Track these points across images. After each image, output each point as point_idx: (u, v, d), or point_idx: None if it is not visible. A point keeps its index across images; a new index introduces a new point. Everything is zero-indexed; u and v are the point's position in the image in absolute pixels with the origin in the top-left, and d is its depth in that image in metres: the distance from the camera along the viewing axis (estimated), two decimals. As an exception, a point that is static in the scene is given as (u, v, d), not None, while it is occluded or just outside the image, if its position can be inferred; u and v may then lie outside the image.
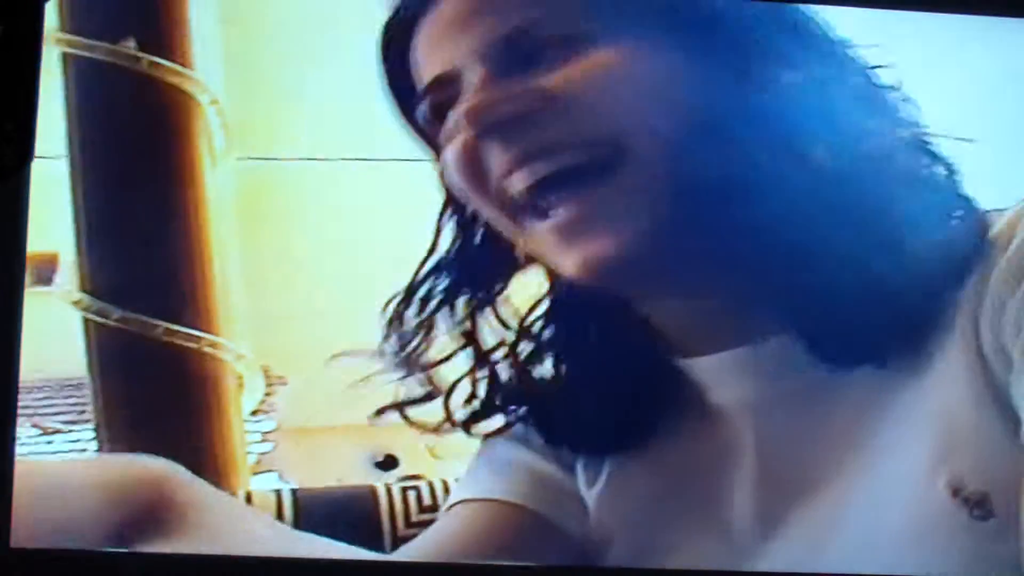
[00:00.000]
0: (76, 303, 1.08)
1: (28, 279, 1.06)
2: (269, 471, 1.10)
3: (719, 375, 1.00)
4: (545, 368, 1.05)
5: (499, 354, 1.05)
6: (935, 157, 0.99)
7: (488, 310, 1.05)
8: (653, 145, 0.95)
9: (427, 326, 1.05)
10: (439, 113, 1.01)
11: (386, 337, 1.05)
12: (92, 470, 1.03)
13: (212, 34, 1.12)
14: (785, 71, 0.98)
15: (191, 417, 1.09)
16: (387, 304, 1.05)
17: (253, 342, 1.11)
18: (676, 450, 1.03)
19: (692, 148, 0.96)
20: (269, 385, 1.11)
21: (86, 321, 1.08)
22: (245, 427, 1.10)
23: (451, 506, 1.05)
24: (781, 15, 1.00)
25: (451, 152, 1.00)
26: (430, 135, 1.03)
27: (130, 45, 1.09)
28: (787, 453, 0.99)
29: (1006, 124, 1.10)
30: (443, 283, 1.05)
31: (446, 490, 1.10)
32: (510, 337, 1.04)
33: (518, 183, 0.97)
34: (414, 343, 1.04)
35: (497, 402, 1.05)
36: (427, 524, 1.07)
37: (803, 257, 0.96)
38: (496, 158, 0.98)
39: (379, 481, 1.11)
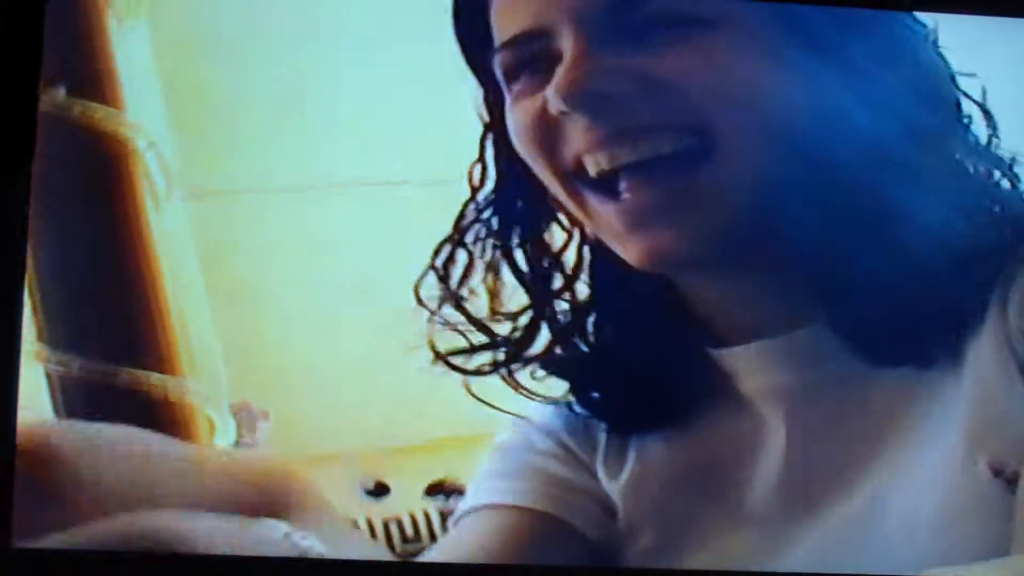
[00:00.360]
0: (36, 355, 1.03)
1: None
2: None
3: (751, 363, 0.99)
4: (585, 330, 1.03)
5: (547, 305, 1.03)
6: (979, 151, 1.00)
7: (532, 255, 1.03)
8: (739, 143, 0.94)
9: (477, 270, 1.03)
10: (517, 70, 0.98)
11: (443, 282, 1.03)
12: (224, 457, 1.03)
13: (147, 71, 1.10)
14: (850, 75, 0.98)
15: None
16: (437, 252, 1.03)
17: (230, 376, 1.07)
18: (703, 435, 1.01)
19: (772, 149, 0.95)
20: (251, 418, 1.07)
21: (48, 373, 1.04)
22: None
23: (466, 513, 1.01)
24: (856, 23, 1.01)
25: (527, 117, 0.97)
26: (502, 84, 1.00)
27: (60, 93, 1.07)
28: (819, 443, 0.98)
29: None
30: (491, 226, 1.03)
31: (429, 523, 1.08)
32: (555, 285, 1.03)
33: (600, 163, 0.96)
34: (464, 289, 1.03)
35: (543, 356, 1.02)
36: (414, 554, 1.04)
37: (840, 252, 0.96)
38: (580, 133, 0.95)
39: (368, 510, 1.08)
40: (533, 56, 0.97)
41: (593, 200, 0.97)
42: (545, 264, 1.03)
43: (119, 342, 1.05)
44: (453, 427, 1.08)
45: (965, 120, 1.01)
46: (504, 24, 0.98)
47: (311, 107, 1.10)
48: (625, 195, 0.95)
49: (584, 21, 0.95)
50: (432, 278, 1.03)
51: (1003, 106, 1.05)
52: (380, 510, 1.08)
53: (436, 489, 1.09)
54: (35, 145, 1.03)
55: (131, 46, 1.10)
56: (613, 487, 1.01)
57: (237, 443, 1.06)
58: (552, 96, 0.95)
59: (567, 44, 0.95)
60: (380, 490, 1.08)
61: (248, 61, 1.12)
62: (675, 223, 0.94)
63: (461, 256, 1.03)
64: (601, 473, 1.02)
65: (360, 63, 1.11)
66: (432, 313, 1.03)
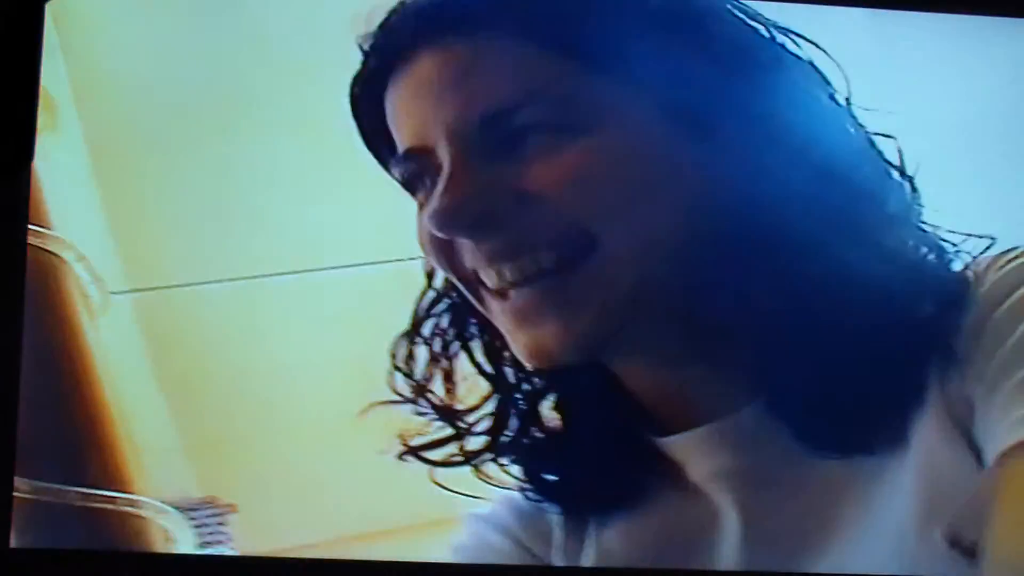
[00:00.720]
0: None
1: None
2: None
3: (694, 450, 0.99)
4: (539, 416, 1.04)
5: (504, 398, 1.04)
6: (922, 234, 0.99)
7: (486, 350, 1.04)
8: (617, 240, 0.94)
9: (440, 364, 1.04)
10: (412, 183, 0.99)
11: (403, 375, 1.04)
12: None
13: (72, 181, 1.11)
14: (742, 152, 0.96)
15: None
16: (396, 346, 1.04)
17: (195, 472, 1.07)
18: (658, 521, 1.01)
19: (663, 238, 0.95)
20: (218, 514, 1.07)
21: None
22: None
23: None
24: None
25: (423, 232, 0.98)
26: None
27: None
28: (773, 520, 0.97)
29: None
30: (445, 320, 1.04)
31: None
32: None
33: (492, 279, 0.96)
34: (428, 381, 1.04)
35: (500, 444, 1.03)
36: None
37: (768, 331, 0.96)
38: (469, 252, 0.96)
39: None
40: (421, 170, 0.97)
41: (492, 303, 0.98)
42: (503, 354, 1.03)
43: (69, 461, 1.05)
44: (417, 513, 1.09)
45: (886, 188, 0.99)
46: (397, 137, 0.99)
47: (245, 197, 1.11)
48: (514, 298, 0.95)
49: (458, 136, 0.94)
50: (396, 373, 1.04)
51: (1003, 107, 1.07)
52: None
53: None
54: (35, 145, 1.04)
55: (53, 158, 1.09)
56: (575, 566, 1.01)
57: (211, 534, 1.07)
58: (428, 223, 0.96)
59: (444, 160, 0.95)
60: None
61: (175, 156, 1.12)
62: (554, 319, 0.94)
63: (420, 351, 1.04)
64: (560, 556, 1.02)
65: (290, 149, 1.12)
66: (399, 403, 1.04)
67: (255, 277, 1.10)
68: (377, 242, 1.10)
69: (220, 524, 1.07)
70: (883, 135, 0.99)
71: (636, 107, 0.95)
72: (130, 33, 1.15)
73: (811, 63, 0.99)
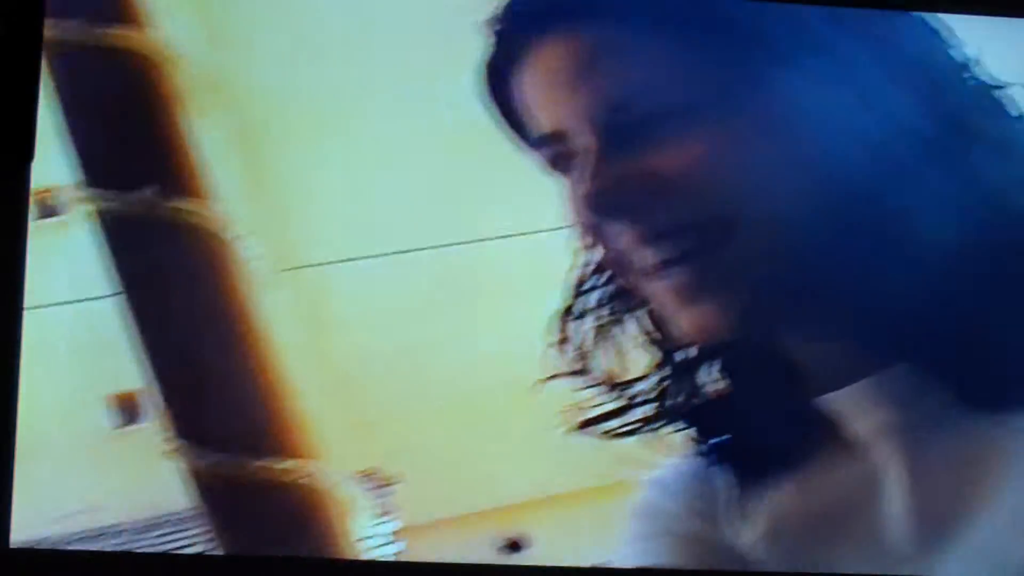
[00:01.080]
0: (168, 452, 1.06)
1: (114, 421, 1.05)
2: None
3: (855, 406, 1.02)
4: (700, 383, 1.07)
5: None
6: None
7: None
8: (760, 216, 0.99)
9: (603, 337, 1.06)
10: (554, 164, 1.04)
11: (564, 351, 1.06)
12: None
13: (226, 160, 1.12)
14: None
15: (307, 547, 1.06)
16: (557, 320, 1.07)
17: (359, 446, 1.09)
18: (823, 482, 1.04)
19: (798, 210, 1.00)
20: (386, 485, 1.09)
21: (183, 468, 1.06)
22: (366, 539, 1.08)
23: None
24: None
25: (573, 215, 1.03)
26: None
27: (149, 193, 1.08)
28: (937, 473, 1.01)
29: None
30: (605, 293, 1.06)
31: None
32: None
33: (639, 261, 1.01)
34: (593, 352, 1.06)
35: (669, 411, 1.06)
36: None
37: (911, 290, 1.02)
38: (617, 236, 1.01)
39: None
40: (561, 154, 1.03)
41: (646, 283, 1.02)
42: (666, 324, 1.05)
43: (248, 432, 1.07)
44: (582, 479, 1.10)
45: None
46: (532, 121, 1.04)
47: (400, 172, 1.13)
48: (666, 278, 1.00)
49: (595, 125, 1.00)
50: (557, 348, 1.07)
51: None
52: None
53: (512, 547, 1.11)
54: (35, 145, 1.04)
55: (213, 135, 1.12)
56: (743, 541, 1.04)
57: (380, 505, 1.09)
58: (579, 211, 1.01)
59: (583, 146, 1.01)
60: (514, 546, 1.10)
61: (331, 134, 1.14)
62: (710, 299, 0.99)
63: (579, 325, 1.07)
64: (729, 528, 1.05)
65: (437, 124, 1.13)
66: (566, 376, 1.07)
67: (413, 251, 1.11)
68: (531, 214, 1.12)
69: (385, 495, 1.09)
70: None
71: (761, 91, 1.02)
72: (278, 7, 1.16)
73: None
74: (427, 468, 1.09)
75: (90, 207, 1.08)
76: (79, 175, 1.08)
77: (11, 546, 0.98)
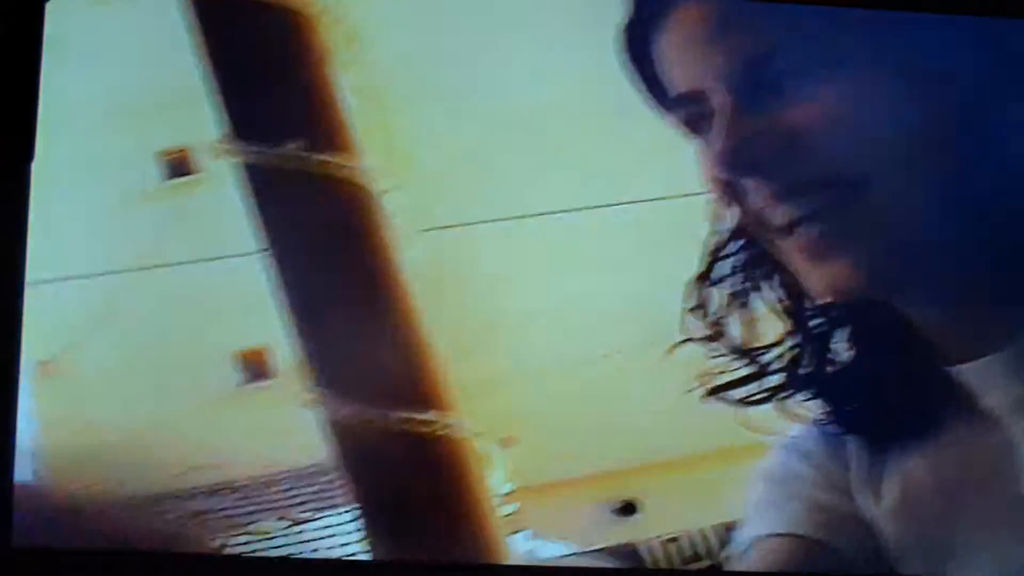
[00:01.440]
0: (306, 402, 1.08)
1: (240, 377, 1.08)
2: (520, 531, 1.10)
3: (990, 379, 1.02)
4: (830, 351, 1.08)
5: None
6: None
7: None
8: (891, 175, 1.00)
9: (736, 304, 1.08)
10: (691, 124, 1.06)
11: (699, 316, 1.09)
12: None
13: (369, 116, 1.14)
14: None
15: (443, 499, 1.09)
16: (691, 287, 1.09)
17: (478, 406, 1.11)
18: (956, 453, 1.04)
19: (928, 169, 1.01)
20: (503, 447, 1.11)
21: (323, 417, 1.08)
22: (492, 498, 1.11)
23: (749, 545, 1.06)
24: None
25: (707, 175, 1.04)
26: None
27: (296, 146, 1.10)
28: None
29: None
30: (740, 259, 1.08)
31: (705, 541, 1.12)
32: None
33: (771, 218, 1.02)
34: (728, 318, 1.08)
35: (800, 379, 1.07)
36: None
37: None
38: (750, 193, 1.02)
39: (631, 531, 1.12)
40: (697, 113, 1.05)
41: (780, 241, 1.03)
42: (798, 290, 1.07)
43: (387, 383, 1.09)
44: (709, 444, 1.12)
45: None
46: (669, 82, 1.06)
47: (532, 134, 1.14)
48: (800, 235, 1.02)
49: (730, 82, 1.02)
50: (693, 314, 1.09)
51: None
52: (639, 531, 1.13)
53: (627, 510, 1.14)
54: (35, 145, 1.04)
55: (352, 94, 1.13)
56: (875, 511, 1.05)
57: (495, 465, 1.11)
58: (714, 167, 1.03)
59: (718, 104, 1.02)
60: (628, 508, 1.13)
61: (460, 96, 1.16)
62: (843, 256, 1.00)
63: (716, 291, 1.09)
64: (860, 496, 1.05)
65: (568, 87, 1.15)
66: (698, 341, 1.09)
67: (550, 213, 1.13)
68: (670, 178, 1.13)
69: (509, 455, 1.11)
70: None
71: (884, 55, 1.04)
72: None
73: None
74: (550, 429, 1.11)
75: (236, 160, 1.10)
76: (225, 128, 1.10)
77: (13, 545, 0.98)
